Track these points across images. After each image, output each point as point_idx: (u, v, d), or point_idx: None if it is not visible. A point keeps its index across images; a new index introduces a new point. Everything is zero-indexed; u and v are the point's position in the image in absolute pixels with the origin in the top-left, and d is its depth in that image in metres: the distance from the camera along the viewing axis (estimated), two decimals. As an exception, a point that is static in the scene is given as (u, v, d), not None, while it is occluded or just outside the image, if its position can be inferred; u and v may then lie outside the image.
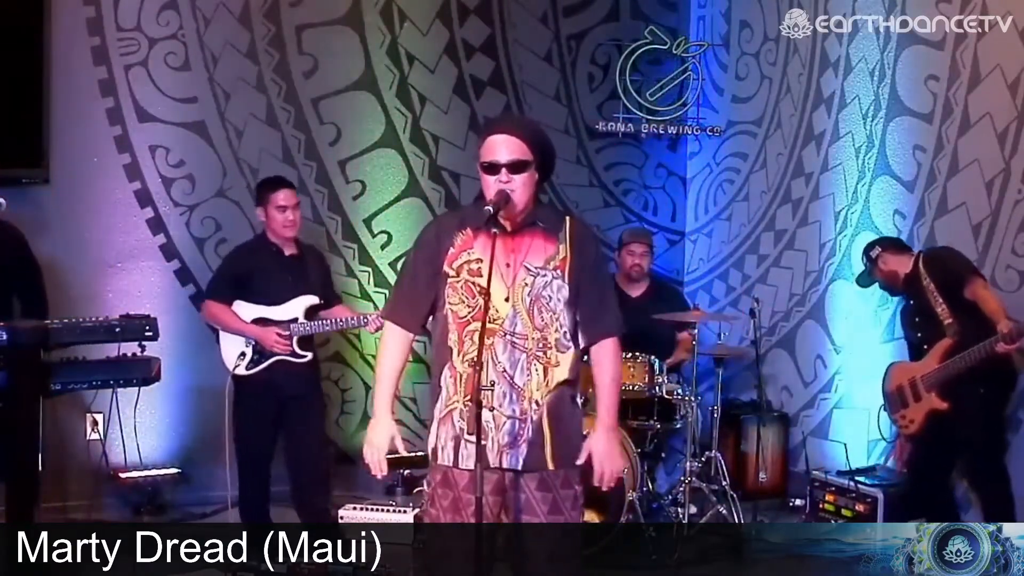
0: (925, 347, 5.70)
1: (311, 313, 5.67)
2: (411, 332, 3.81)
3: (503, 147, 3.63)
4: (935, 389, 5.60)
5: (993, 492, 5.59)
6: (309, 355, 5.66)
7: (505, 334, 3.62)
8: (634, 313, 5.60)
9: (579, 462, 3.71)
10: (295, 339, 5.60)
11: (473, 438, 3.51)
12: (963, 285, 5.47)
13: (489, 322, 3.59)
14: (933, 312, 5.61)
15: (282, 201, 5.62)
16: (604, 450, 3.73)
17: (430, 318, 3.79)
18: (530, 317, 3.64)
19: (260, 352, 5.59)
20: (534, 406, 3.63)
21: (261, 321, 5.60)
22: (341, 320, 5.74)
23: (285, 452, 5.73)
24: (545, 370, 3.64)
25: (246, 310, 5.62)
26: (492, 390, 3.58)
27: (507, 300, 3.63)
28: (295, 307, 5.64)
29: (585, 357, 3.78)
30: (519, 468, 3.63)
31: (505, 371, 3.61)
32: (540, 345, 3.64)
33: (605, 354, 3.76)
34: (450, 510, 3.67)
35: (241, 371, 5.59)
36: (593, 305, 3.71)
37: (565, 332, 3.66)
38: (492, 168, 3.63)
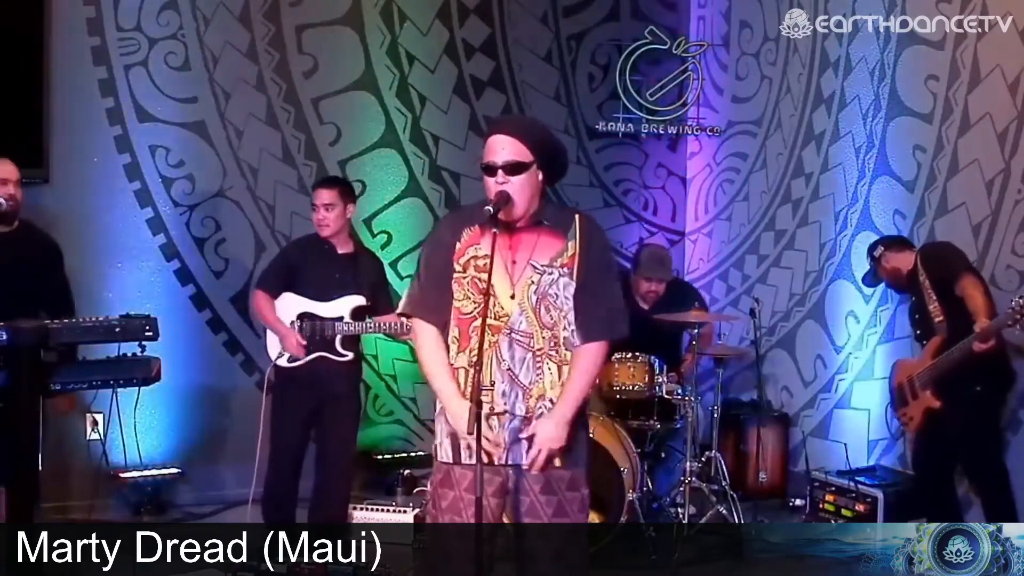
0: (925, 343, 5.72)
1: (358, 314, 5.60)
2: (436, 326, 3.70)
3: (500, 148, 3.62)
4: (929, 387, 5.62)
5: (994, 492, 5.59)
6: (351, 355, 5.61)
7: (510, 332, 3.61)
8: (643, 322, 5.62)
9: (523, 436, 3.60)
10: (339, 338, 5.55)
11: (472, 436, 3.49)
12: (954, 281, 5.46)
13: (495, 319, 3.59)
14: (928, 309, 5.62)
15: (314, 199, 5.63)
16: (549, 435, 3.57)
17: None
18: (536, 315, 3.63)
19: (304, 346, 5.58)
20: (548, 404, 3.62)
21: (306, 315, 5.57)
22: (384, 324, 5.59)
23: (314, 450, 5.69)
24: (560, 368, 3.63)
25: (293, 302, 5.60)
26: (492, 389, 3.58)
27: (513, 298, 3.63)
28: (342, 306, 5.59)
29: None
30: (522, 463, 3.61)
31: (509, 369, 3.61)
32: (551, 344, 3.63)
33: (588, 355, 3.67)
34: (450, 510, 3.66)
35: (283, 363, 5.58)
36: (591, 305, 3.67)
37: (573, 331, 3.65)
38: (489, 170, 3.63)
